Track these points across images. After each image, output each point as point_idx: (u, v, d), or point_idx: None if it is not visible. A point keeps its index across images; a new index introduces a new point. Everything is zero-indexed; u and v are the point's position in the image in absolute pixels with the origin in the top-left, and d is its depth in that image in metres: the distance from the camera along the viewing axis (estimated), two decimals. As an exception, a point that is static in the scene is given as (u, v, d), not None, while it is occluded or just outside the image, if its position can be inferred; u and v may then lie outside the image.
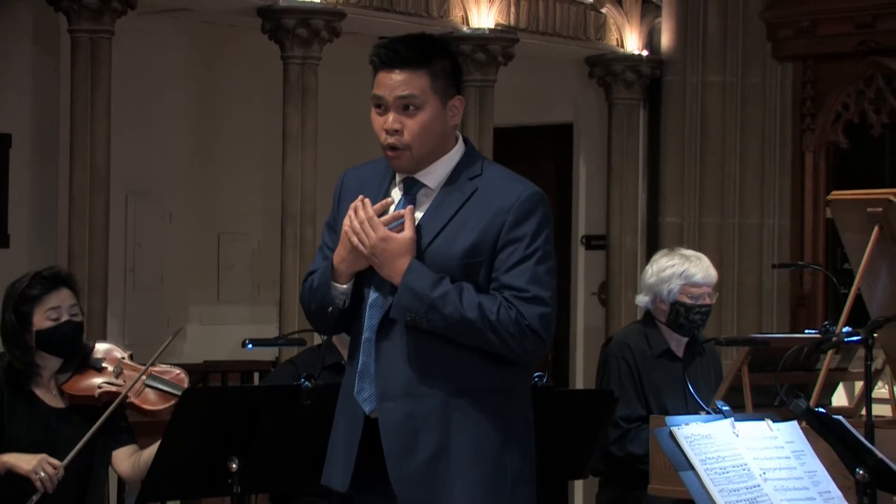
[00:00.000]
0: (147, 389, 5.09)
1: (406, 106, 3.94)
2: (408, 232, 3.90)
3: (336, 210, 4.12)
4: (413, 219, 3.94)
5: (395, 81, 3.94)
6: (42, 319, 5.05)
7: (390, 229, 3.92)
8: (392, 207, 4.01)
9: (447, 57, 4.02)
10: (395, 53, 3.95)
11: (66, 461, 4.86)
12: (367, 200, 3.93)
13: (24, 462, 4.83)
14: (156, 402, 5.07)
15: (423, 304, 3.86)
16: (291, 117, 8.88)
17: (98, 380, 5.08)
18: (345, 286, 3.98)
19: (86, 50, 8.10)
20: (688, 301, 6.35)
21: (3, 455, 4.86)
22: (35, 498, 4.81)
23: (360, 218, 3.91)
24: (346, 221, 3.93)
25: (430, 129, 3.95)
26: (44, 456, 4.84)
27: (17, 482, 4.87)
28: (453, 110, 4.01)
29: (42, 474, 4.81)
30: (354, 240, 3.91)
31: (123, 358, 5.19)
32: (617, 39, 10.43)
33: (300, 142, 8.87)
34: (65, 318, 5.08)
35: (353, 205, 3.94)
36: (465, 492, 3.89)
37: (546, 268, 3.94)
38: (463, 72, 4.13)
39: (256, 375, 9.32)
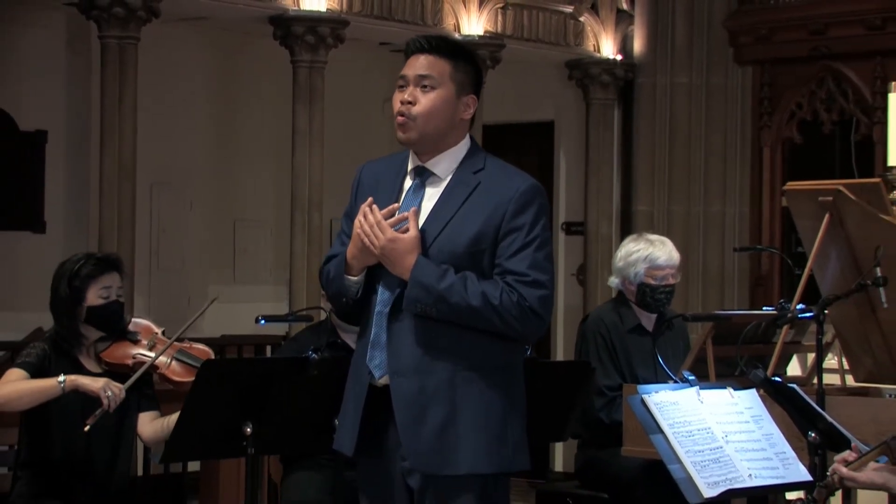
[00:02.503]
0: (175, 362, 5.14)
1: (424, 85, 3.96)
2: (412, 231, 3.90)
3: (353, 201, 4.10)
4: (417, 220, 3.93)
5: (419, 63, 3.98)
6: (94, 297, 5.11)
7: (396, 230, 3.92)
8: (403, 195, 4.01)
9: (471, 61, 4.06)
10: (426, 42, 4.00)
11: (125, 385, 4.94)
12: (374, 206, 3.92)
13: (92, 383, 4.91)
14: (182, 374, 5.13)
15: (431, 296, 3.86)
16: (300, 115, 8.87)
17: (133, 350, 5.13)
18: (356, 278, 3.99)
19: (114, 54, 8.08)
20: (652, 282, 6.33)
21: (70, 376, 4.93)
22: (99, 413, 4.88)
23: (369, 222, 3.90)
24: (357, 224, 3.93)
25: (440, 110, 3.96)
26: (108, 379, 4.92)
27: (70, 416, 4.97)
28: (465, 106, 4.01)
29: (109, 393, 4.88)
30: (366, 241, 3.91)
31: (157, 333, 5.25)
32: (594, 45, 10.42)
33: (308, 137, 8.86)
34: (113, 297, 5.14)
35: (362, 209, 3.93)
36: (471, 459, 3.89)
37: (545, 253, 3.94)
38: (483, 78, 4.15)
39: (269, 348, 9.33)
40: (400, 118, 3.97)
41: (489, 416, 3.91)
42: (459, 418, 3.89)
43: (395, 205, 3.96)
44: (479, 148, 4.09)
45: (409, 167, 4.05)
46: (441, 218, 3.95)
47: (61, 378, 4.91)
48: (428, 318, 3.88)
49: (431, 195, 4.00)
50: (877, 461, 3.85)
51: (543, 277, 3.91)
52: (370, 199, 3.95)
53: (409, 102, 3.96)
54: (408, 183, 4.04)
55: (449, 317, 3.87)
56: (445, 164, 4.01)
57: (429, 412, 3.89)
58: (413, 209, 3.94)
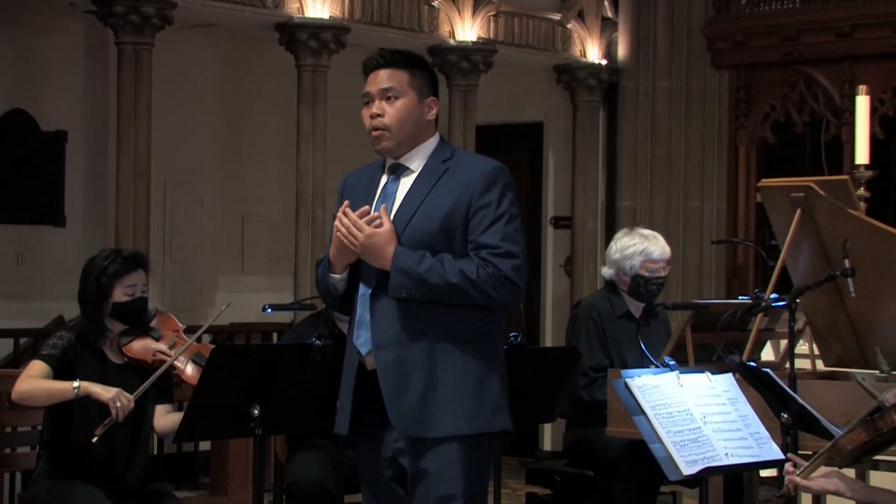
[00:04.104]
0: (191, 364, 5.09)
1: (388, 97, 4.04)
2: (387, 225, 3.96)
3: (339, 206, 4.17)
4: (388, 215, 3.99)
5: (380, 77, 4.06)
6: (120, 294, 5.06)
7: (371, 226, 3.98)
8: (379, 189, 4.09)
9: (424, 67, 4.14)
10: (381, 58, 4.08)
11: (135, 395, 4.89)
12: (348, 210, 3.98)
13: (103, 391, 4.87)
14: (194, 377, 5.06)
15: (413, 281, 3.91)
16: (304, 116, 8.87)
17: (154, 346, 5.10)
18: (339, 276, 4.06)
19: (130, 59, 8.08)
20: (646, 274, 6.35)
21: (84, 383, 4.89)
22: (108, 423, 4.85)
23: (345, 224, 3.97)
24: (335, 227, 3.99)
25: (407, 116, 4.04)
26: (119, 389, 4.88)
27: (91, 408, 4.94)
28: (428, 107, 4.09)
29: (118, 404, 4.84)
30: (346, 241, 3.97)
31: (178, 331, 5.20)
32: (580, 50, 10.42)
33: (312, 137, 8.86)
34: (138, 294, 5.11)
35: (338, 214, 3.99)
36: (451, 422, 3.94)
37: (514, 227, 4.01)
38: (438, 80, 4.20)
39: (275, 335, 9.33)
40: (375, 132, 4.05)
41: (467, 383, 3.96)
42: (440, 385, 3.94)
43: (366, 207, 4.00)
44: (448, 144, 4.18)
45: (386, 166, 4.12)
46: (414, 201, 4.02)
47: (76, 384, 4.87)
48: (413, 301, 3.92)
49: (405, 185, 4.07)
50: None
51: (515, 248, 3.97)
52: (346, 202, 4.03)
53: (379, 115, 4.03)
54: (384, 179, 4.11)
55: (432, 297, 3.92)
56: (418, 159, 4.09)
57: (410, 381, 3.94)
58: (383, 206, 4.01)
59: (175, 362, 5.05)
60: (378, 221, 3.97)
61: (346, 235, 3.96)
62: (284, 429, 5.47)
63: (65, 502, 4.98)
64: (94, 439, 4.83)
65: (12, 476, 7.51)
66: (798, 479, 3.74)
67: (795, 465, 3.81)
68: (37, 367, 4.97)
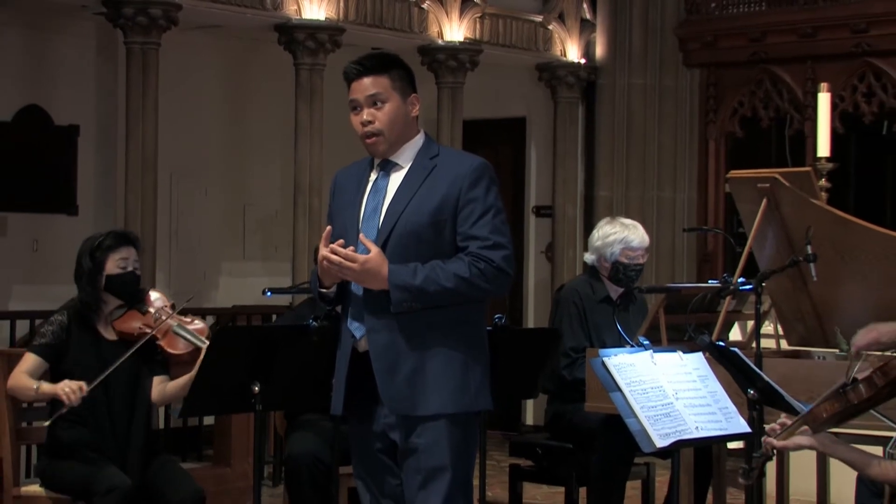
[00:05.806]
0: (173, 335, 5.08)
1: (375, 102, 4.01)
2: (374, 248, 3.92)
3: (331, 202, 4.19)
4: (369, 241, 3.95)
5: (364, 85, 4.02)
6: (113, 266, 5.08)
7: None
8: (370, 185, 4.07)
9: (401, 66, 4.10)
10: (361, 66, 4.03)
11: (93, 385, 4.87)
12: (336, 247, 3.92)
13: (51, 388, 4.89)
14: (177, 347, 5.07)
15: (411, 294, 3.90)
16: (302, 112, 8.86)
17: (141, 322, 5.09)
18: (327, 290, 4.06)
19: (138, 58, 8.06)
20: (625, 261, 6.35)
21: (43, 384, 4.93)
22: (63, 410, 4.86)
23: (336, 261, 3.91)
24: (324, 263, 3.94)
25: (396, 117, 4.02)
26: (66, 381, 4.86)
27: (95, 362, 4.99)
28: (412, 105, 4.07)
29: (66, 389, 4.82)
30: (341, 274, 3.93)
31: (165, 307, 5.18)
32: (561, 50, 10.41)
33: (309, 132, 8.85)
34: (130, 268, 5.11)
35: (323, 254, 3.94)
36: (438, 401, 3.95)
37: (501, 219, 4.01)
38: (415, 74, 4.16)
39: (274, 317, 9.32)
40: (369, 139, 4.03)
41: (453, 366, 3.96)
42: (427, 368, 3.95)
43: (341, 241, 3.95)
44: (433, 140, 4.16)
45: (375, 163, 4.11)
46: (405, 195, 4.00)
47: (35, 385, 4.91)
48: (413, 311, 3.91)
49: (396, 180, 4.06)
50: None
51: (503, 239, 3.98)
52: (327, 229, 4.00)
53: (370, 121, 4.01)
54: (374, 176, 4.09)
55: (432, 304, 3.92)
56: (406, 155, 4.07)
57: (400, 363, 3.95)
58: (361, 234, 3.97)
59: (157, 332, 5.05)
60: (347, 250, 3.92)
61: (339, 272, 3.92)
62: (283, 405, 5.47)
63: (67, 469, 5.00)
64: (46, 424, 4.94)
65: (28, 449, 7.51)
66: (775, 441, 3.75)
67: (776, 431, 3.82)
68: (28, 360, 5.02)
